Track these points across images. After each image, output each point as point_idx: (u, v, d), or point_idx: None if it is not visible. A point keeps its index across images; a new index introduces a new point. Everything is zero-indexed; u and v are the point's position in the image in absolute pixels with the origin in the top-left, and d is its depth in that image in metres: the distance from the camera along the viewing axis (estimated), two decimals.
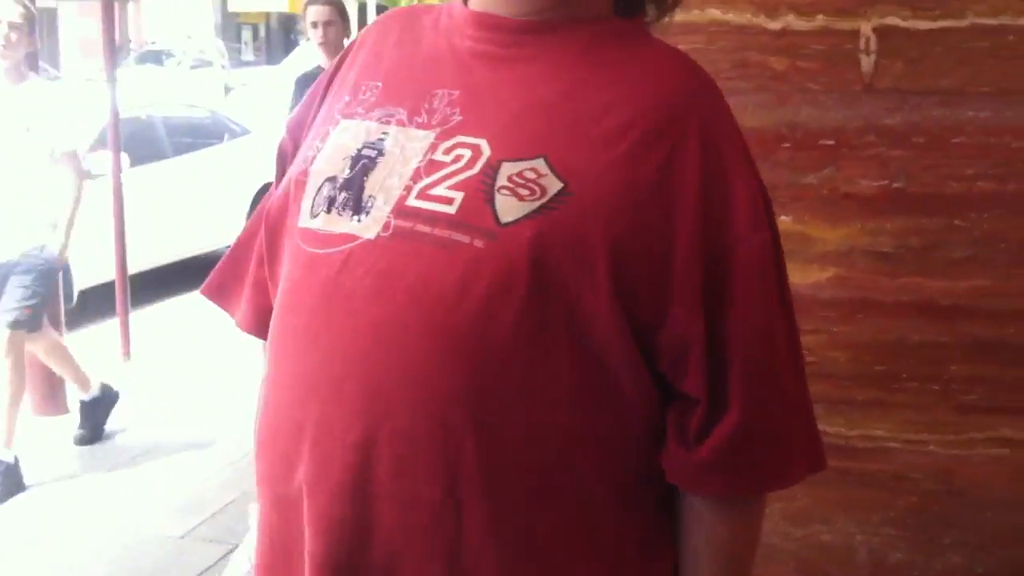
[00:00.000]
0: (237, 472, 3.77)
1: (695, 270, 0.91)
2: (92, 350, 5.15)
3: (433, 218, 0.91)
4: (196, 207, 6.95)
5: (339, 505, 0.91)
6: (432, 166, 0.94)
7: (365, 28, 1.12)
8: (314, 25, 4.32)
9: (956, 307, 1.60)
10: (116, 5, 5.34)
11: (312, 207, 0.97)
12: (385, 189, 0.94)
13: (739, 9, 1.64)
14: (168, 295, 6.49)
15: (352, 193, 0.95)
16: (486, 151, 0.92)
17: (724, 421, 0.92)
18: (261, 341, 1.11)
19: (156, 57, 22.50)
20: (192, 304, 6.26)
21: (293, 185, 1.01)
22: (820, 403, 1.06)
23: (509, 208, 0.89)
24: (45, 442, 4.10)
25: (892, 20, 1.60)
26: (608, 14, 1.02)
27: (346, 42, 4.05)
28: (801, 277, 1.58)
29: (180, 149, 7.05)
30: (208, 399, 4.63)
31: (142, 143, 6.54)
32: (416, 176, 0.93)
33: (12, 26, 3.68)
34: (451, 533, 0.90)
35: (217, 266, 1.18)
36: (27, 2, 3.81)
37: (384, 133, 0.98)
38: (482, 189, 0.90)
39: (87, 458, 3.98)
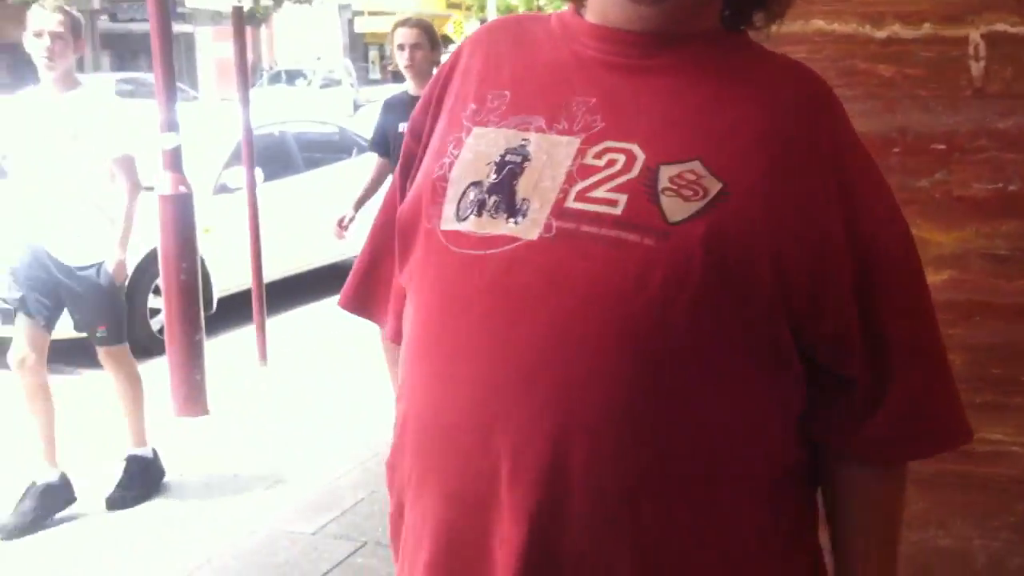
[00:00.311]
0: (366, 472, 3.92)
1: (846, 260, 0.96)
2: (231, 355, 5.42)
3: (598, 219, 0.93)
4: (327, 219, 7.21)
5: (538, 493, 0.92)
6: (585, 170, 0.95)
7: (469, 36, 1.13)
8: (400, 48, 4.10)
9: None
10: (249, 29, 5.53)
11: (458, 211, 0.98)
12: (540, 192, 0.96)
13: (844, 19, 1.67)
14: (302, 303, 6.75)
15: (503, 196, 0.97)
16: (640, 155, 0.95)
17: (892, 395, 0.99)
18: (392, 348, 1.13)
19: (287, 77, 23.37)
20: (324, 311, 6.53)
21: (429, 190, 1.02)
22: None
23: (676, 208, 0.92)
24: (184, 441, 4.33)
25: (1001, 26, 1.61)
26: (717, 27, 1.05)
27: (434, 70, 3.78)
28: None
29: (311, 164, 7.33)
30: (339, 402, 4.82)
31: (275, 159, 6.83)
32: (570, 179, 0.95)
33: (54, 36, 3.52)
34: (636, 525, 0.92)
35: (350, 278, 1.19)
36: (68, 8, 3.65)
37: (524, 140, 0.99)
38: (644, 191, 0.93)
39: (226, 456, 4.19)
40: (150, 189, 4.57)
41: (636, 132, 0.96)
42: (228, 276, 6.07)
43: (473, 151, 1.01)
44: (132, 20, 21.77)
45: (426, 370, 0.99)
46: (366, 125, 9.24)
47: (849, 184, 0.98)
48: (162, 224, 4.55)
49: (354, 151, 7.74)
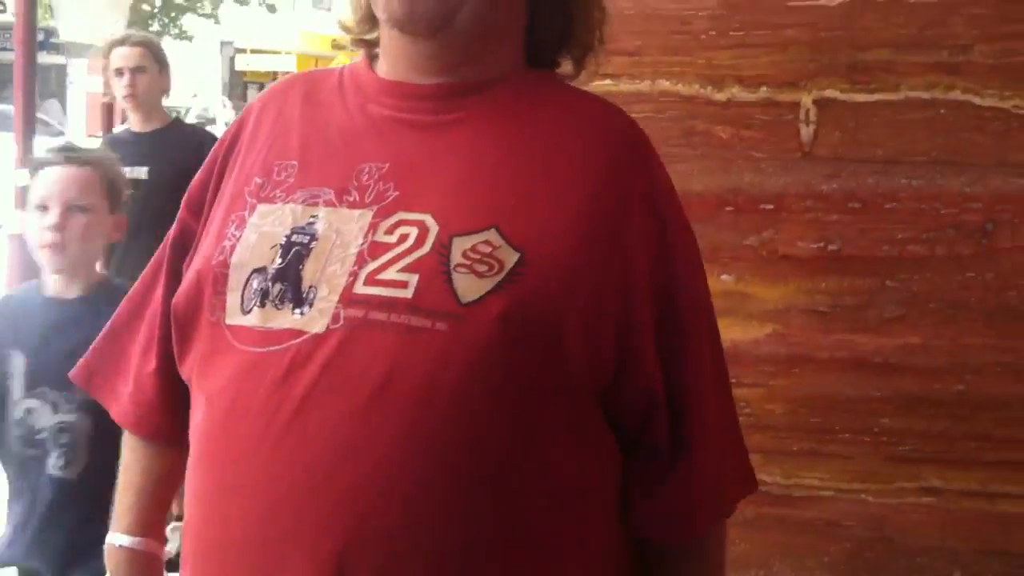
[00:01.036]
0: None
1: (650, 323, 0.92)
2: None
3: (388, 304, 0.86)
4: None
5: None
6: (376, 248, 0.88)
7: (257, 98, 1.06)
8: (118, 73, 3.39)
9: (887, 363, 1.68)
10: None
11: (243, 302, 0.91)
12: (327, 277, 0.88)
13: (688, 80, 1.74)
14: None
15: (288, 284, 0.89)
16: (433, 227, 0.87)
17: (685, 464, 0.94)
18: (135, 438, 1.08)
19: None
20: None
21: (210, 280, 0.94)
22: (757, 453, 1.16)
23: (469, 287, 0.85)
24: None
25: (831, 92, 1.71)
26: (520, 68, 0.99)
27: (164, 99, 3.52)
28: (741, 333, 1.66)
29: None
30: None
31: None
32: (360, 260, 0.88)
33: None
34: None
35: (91, 349, 1.11)
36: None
37: (313, 216, 0.91)
38: (438, 268, 0.86)
39: None
40: None
41: (430, 200, 0.90)
42: None
43: (257, 232, 0.93)
44: (3, 49, 21.02)
45: (207, 481, 0.91)
46: None
47: (662, 236, 0.94)
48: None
49: None
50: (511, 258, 0.86)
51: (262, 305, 0.90)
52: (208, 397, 0.93)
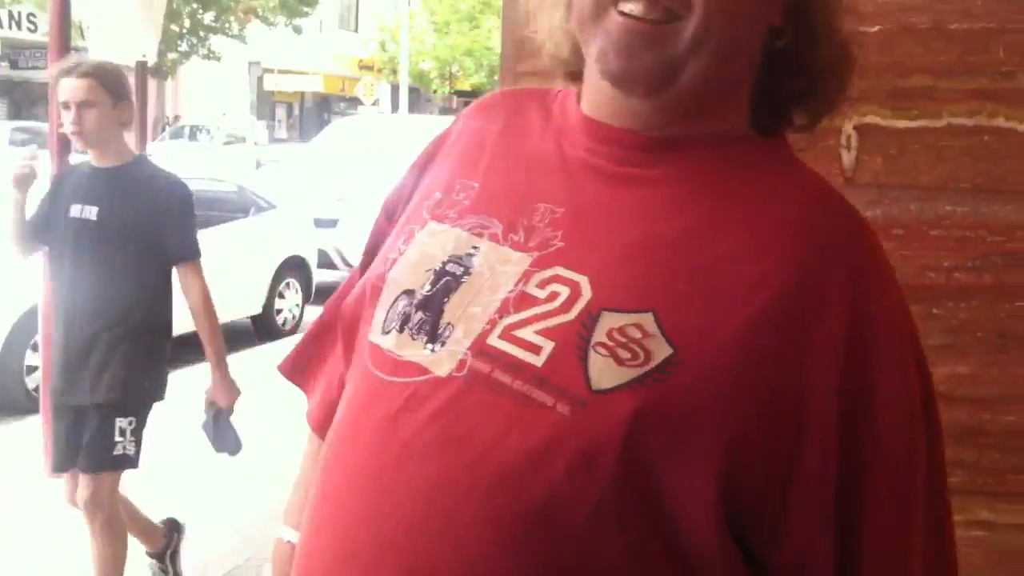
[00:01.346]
0: (243, 537, 3.80)
1: (828, 479, 0.76)
2: None
3: (516, 366, 0.78)
4: (219, 279, 7.11)
5: None
6: (523, 300, 0.81)
7: (469, 107, 1.00)
8: (65, 107, 2.93)
9: (935, 393, 1.65)
10: (155, 82, 5.43)
11: (385, 321, 0.87)
12: (467, 318, 0.82)
13: None
14: (192, 362, 6.57)
15: (429, 315, 0.84)
16: (586, 293, 0.78)
17: None
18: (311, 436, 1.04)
19: (190, 132, 23.07)
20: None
21: (369, 288, 0.91)
22: None
23: (605, 372, 0.75)
24: (57, 501, 4.15)
25: (872, 119, 1.69)
26: (744, 131, 0.87)
27: (123, 134, 3.09)
28: None
29: (206, 222, 7.22)
30: (209, 481, 4.68)
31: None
32: (504, 309, 0.81)
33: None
34: None
35: (296, 345, 1.11)
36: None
37: (475, 247, 0.86)
38: (576, 342, 0.77)
39: None
40: None
41: (593, 261, 0.80)
42: None
43: (419, 251, 0.89)
44: (34, 68, 21.32)
45: (318, 496, 0.87)
46: (267, 183, 9.22)
47: (858, 374, 0.76)
48: (46, 280, 4.40)
49: (252, 210, 7.67)
50: (661, 352, 0.75)
51: (400, 330, 0.85)
52: (341, 411, 0.89)
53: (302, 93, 33.71)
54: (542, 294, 0.80)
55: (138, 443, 3.08)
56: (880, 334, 0.78)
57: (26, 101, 23.01)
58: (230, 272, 7.23)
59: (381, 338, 0.86)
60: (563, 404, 0.75)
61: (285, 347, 5.17)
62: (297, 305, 7.96)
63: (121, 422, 3.02)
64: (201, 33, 21.61)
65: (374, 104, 25.41)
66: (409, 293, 0.86)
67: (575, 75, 0.91)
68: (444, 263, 0.86)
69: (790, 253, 0.78)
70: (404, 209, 0.96)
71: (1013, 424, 1.61)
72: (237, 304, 7.37)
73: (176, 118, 25.86)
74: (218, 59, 22.30)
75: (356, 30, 34.72)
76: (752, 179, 0.84)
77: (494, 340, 0.80)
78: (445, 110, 32.40)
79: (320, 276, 8.40)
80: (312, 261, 8.17)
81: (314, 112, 35.02)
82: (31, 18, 19.73)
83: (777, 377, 0.75)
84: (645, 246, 0.80)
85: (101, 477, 3.01)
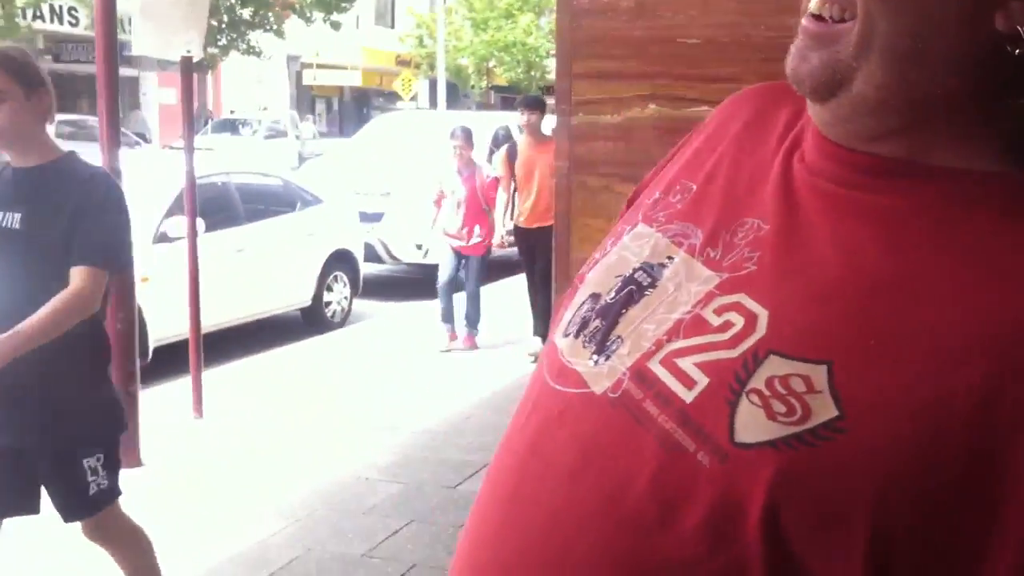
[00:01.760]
0: (300, 529, 3.88)
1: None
2: (166, 406, 5.36)
3: (666, 399, 0.72)
4: (267, 271, 7.25)
5: None
6: (696, 324, 0.74)
7: (729, 98, 0.92)
8: None
9: None
10: (195, 76, 5.48)
11: (568, 323, 0.83)
12: (637, 334, 0.77)
13: None
14: (240, 355, 6.71)
15: (605, 324, 0.79)
16: (760, 329, 0.70)
17: None
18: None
19: (232, 126, 23.34)
20: (263, 364, 6.49)
21: (572, 287, 0.87)
22: None
23: (752, 424, 0.67)
24: None
25: None
26: (992, 163, 0.72)
27: (49, 127, 2.64)
28: None
29: (253, 215, 7.35)
30: (276, 458, 4.78)
31: (217, 209, 6.79)
32: (674, 331, 0.75)
33: None
34: None
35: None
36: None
37: (669, 258, 0.80)
38: (732, 383, 0.69)
39: (157, 511, 4.13)
40: None
41: (779, 293, 0.72)
42: (165, 325, 6.00)
43: (619, 254, 0.83)
44: (76, 61, 21.63)
45: (478, 496, 0.84)
46: (310, 178, 9.33)
47: None
48: None
49: (298, 204, 7.78)
50: (824, 413, 0.65)
51: (576, 335, 0.80)
52: (519, 405, 0.85)
53: (341, 88, 33.91)
54: (716, 321, 0.73)
55: (113, 471, 2.66)
56: None
57: (71, 94, 23.38)
58: (280, 265, 7.36)
59: (561, 340, 0.82)
60: (704, 453, 0.68)
61: (333, 340, 5.31)
62: (345, 298, 8.03)
63: (88, 461, 2.59)
64: (241, 28, 21.83)
65: (412, 99, 25.49)
66: (595, 297, 0.82)
67: None
68: (634, 270, 0.81)
69: (1011, 328, 0.65)
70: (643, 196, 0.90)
71: None
72: (287, 296, 7.51)
73: (210, 113, 26.15)
74: (257, 54, 22.51)
75: (393, 26, 34.86)
76: (993, 222, 0.69)
77: (654, 364, 0.74)
78: (482, 106, 32.45)
79: (366, 269, 8.51)
80: (359, 254, 8.26)
81: (352, 107, 35.22)
82: (72, 12, 20.01)
83: (960, 468, 0.63)
84: (842, 286, 0.70)
85: (93, 518, 2.69)
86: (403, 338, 7.21)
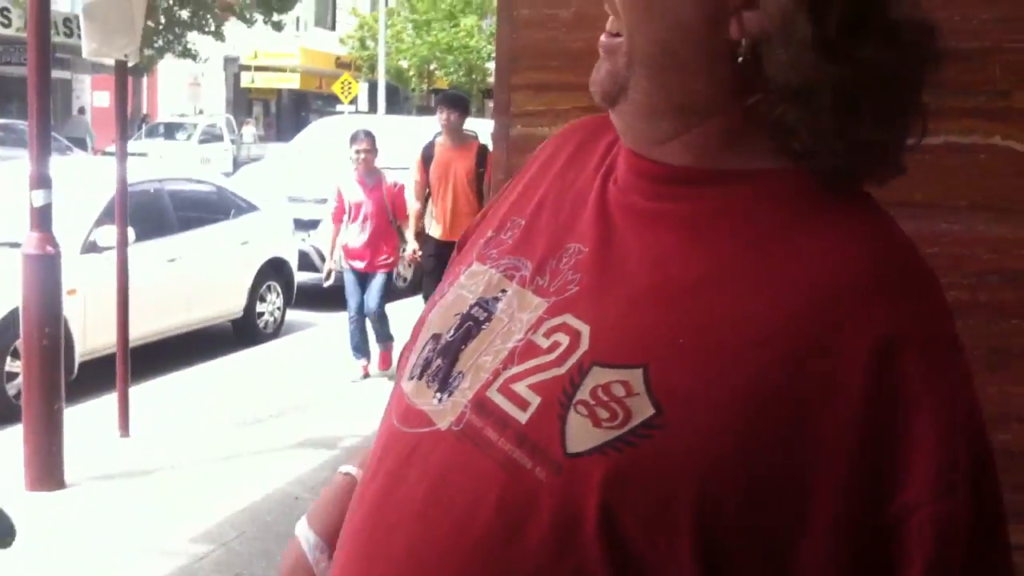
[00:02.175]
0: (229, 553, 3.76)
1: (839, 549, 0.66)
2: (91, 424, 5.17)
3: (503, 423, 0.74)
4: (201, 282, 7.06)
5: None
6: (528, 350, 0.77)
7: (559, 131, 0.97)
8: None
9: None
10: (131, 79, 5.31)
11: (413, 365, 0.85)
12: (476, 367, 0.79)
13: None
14: (168, 368, 6.52)
15: (446, 362, 0.81)
16: (583, 344, 0.74)
17: None
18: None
19: (167, 130, 22.91)
20: (192, 377, 6.31)
21: (411, 331, 0.89)
22: None
23: (581, 433, 0.70)
24: (36, 516, 4.10)
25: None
26: (769, 161, 0.76)
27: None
28: None
29: (186, 224, 7.16)
30: (204, 477, 4.64)
31: (149, 217, 6.60)
32: (509, 359, 0.77)
33: None
34: None
35: None
36: None
37: (502, 291, 0.83)
38: (560, 398, 0.72)
39: (80, 533, 3.97)
40: (16, 246, 4.37)
41: (600, 307, 0.76)
42: (91, 339, 5.83)
43: (456, 293, 0.86)
44: (8, 63, 21.09)
45: (335, 556, 0.87)
46: (245, 183, 9.15)
47: (884, 432, 0.66)
48: (25, 285, 4.35)
49: (232, 212, 7.61)
50: (642, 412, 0.69)
51: (419, 377, 0.83)
52: (370, 453, 0.88)
53: (279, 91, 33.51)
54: (545, 343, 0.76)
55: None
56: (913, 391, 0.67)
57: (2, 97, 22.77)
58: (212, 274, 7.18)
59: (406, 383, 0.85)
60: (541, 468, 0.71)
61: (266, 352, 5.16)
62: (278, 308, 7.88)
63: None
64: (177, 30, 21.42)
65: (351, 103, 25.27)
66: (436, 337, 0.84)
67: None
68: (471, 307, 0.83)
69: (809, 301, 0.69)
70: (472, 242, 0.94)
71: (1008, 443, 1.60)
72: (218, 307, 7.32)
73: (145, 117, 25.67)
74: (194, 56, 22.12)
75: (333, 28, 34.55)
76: (790, 220, 0.74)
77: (492, 393, 0.76)
78: (423, 109, 32.32)
79: (300, 278, 8.35)
80: (293, 263, 8.11)
81: (290, 110, 34.82)
82: (5, 12, 19.50)
83: (774, 439, 0.67)
84: (653, 293, 0.74)
85: None
86: (336, 351, 7.07)
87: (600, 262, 0.78)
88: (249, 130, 25.87)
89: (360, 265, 6.18)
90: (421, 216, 6.36)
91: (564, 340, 0.75)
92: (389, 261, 6.25)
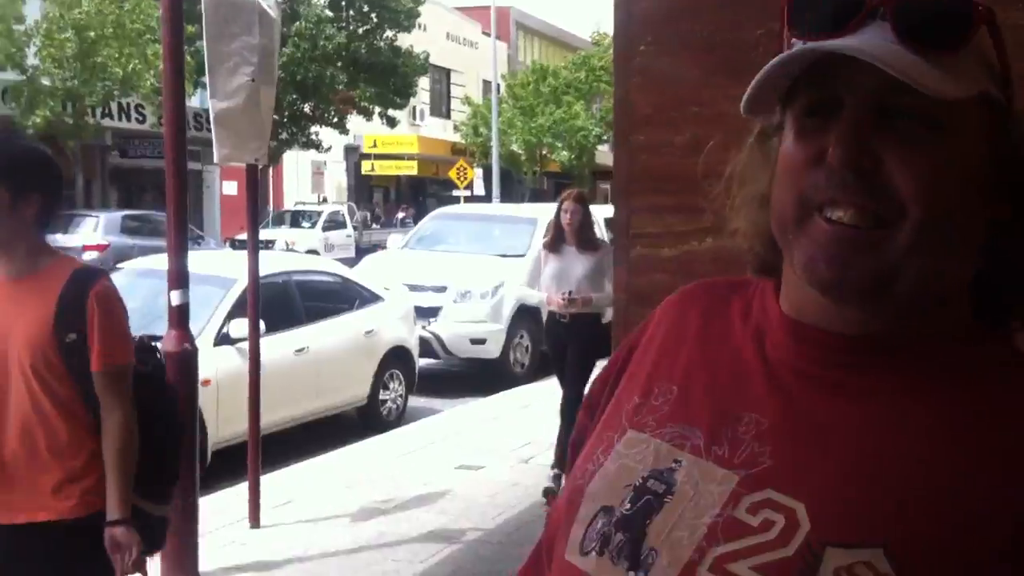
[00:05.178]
0: None
1: None
2: (223, 514, 5.34)
3: None
4: (328, 370, 7.27)
5: None
6: (732, 526, 0.75)
7: (667, 299, 0.95)
8: None
9: None
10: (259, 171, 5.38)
11: (583, 540, 0.81)
12: (671, 543, 0.76)
13: None
14: (299, 456, 6.69)
15: (630, 537, 0.78)
16: (804, 524, 0.72)
17: None
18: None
19: (292, 218, 23.81)
20: (319, 466, 6.47)
21: (566, 501, 0.86)
22: None
23: None
24: None
25: None
26: (963, 327, 0.79)
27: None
28: None
29: (313, 315, 7.40)
30: (329, 569, 4.73)
31: (277, 308, 6.79)
32: (712, 536, 0.75)
33: None
34: None
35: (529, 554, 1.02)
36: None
37: (676, 461, 0.80)
38: None
39: None
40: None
41: (807, 484, 0.74)
42: (224, 428, 6.03)
43: (617, 463, 0.83)
44: (142, 156, 22.36)
45: None
46: (368, 272, 9.43)
47: None
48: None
49: (356, 302, 7.85)
50: None
51: (600, 553, 0.79)
52: None
53: (397, 177, 34.53)
54: (754, 521, 0.74)
55: None
56: None
57: (137, 189, 24.08)
58: (337, 365, 7.38)
59: (579, 559, 0.81)
60: None
61: (387, 441, 5.18)
62: (400, 396, 8.03)
63: None
64: (301, 122, 22.44)
65: (467, 187, 25.82)
66: (608, 510, 0.81)
67: (769, 269, 0.86)
68: (644, 478, 0.81)
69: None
70: (604, 407, 0.91)
71: None
72: (344, 396, 7.52)
73: (274, 206, 26.73)
74: (317, 147, 23.06)
75: (448, 116, 35.58)
76: (990, 381, 0.76)
77: (704, 573, 0.74)
78: (536, 192, 32.76)
79: (421, 364, 8.51)
80: (415, 351, 8.29)
81: (409, 195, 35.78)
82: (140, 109, 20.75)
83: None
84: (867, 467, 0.73)
85: None
86: (458, 438, 7.16)
87: (789, 434, 0.77)
88: (361, 216, 26.70)
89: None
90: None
91: (778, 518, 0.73)
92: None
